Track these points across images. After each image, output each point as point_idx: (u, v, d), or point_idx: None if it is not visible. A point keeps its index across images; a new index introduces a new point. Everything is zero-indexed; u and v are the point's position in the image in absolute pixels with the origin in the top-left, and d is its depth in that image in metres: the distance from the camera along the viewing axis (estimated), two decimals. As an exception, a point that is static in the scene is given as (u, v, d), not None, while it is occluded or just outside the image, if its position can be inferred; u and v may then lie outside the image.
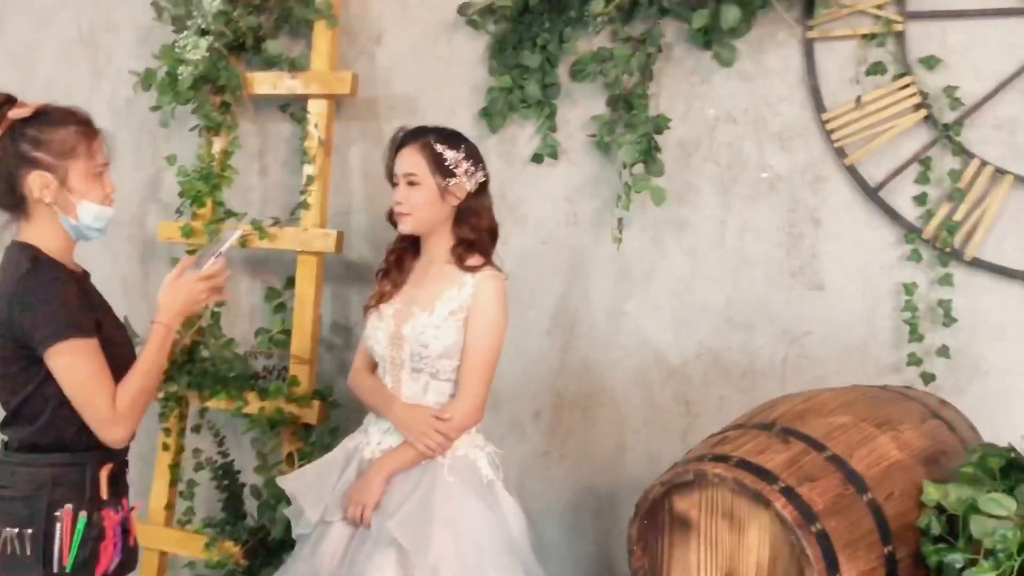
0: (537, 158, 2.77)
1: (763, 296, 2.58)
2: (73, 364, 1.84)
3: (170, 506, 3.01)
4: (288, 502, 2.32)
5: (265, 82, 2.95)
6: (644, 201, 2.60)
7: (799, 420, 1.88)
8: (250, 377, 2.95)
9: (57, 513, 1.86)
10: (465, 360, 2.18)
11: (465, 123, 2.74)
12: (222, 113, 2.96)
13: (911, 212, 2.45)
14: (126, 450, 2.00)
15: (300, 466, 2.55)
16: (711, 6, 2.50)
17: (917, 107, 2.42)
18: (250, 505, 2.92)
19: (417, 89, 2.92)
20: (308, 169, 2.88)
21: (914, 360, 2.40)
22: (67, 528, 1.86)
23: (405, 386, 2.22)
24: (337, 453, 2.32)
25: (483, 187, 2.26)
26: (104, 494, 1.92)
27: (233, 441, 2.99)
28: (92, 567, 1.89)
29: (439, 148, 2.21)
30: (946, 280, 2.40)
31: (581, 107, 2.73)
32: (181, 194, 2.95)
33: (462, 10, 2.78)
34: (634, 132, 2.56)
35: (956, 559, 1.65)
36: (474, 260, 2.22)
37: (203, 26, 2.86)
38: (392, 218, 2.27)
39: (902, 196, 2.46)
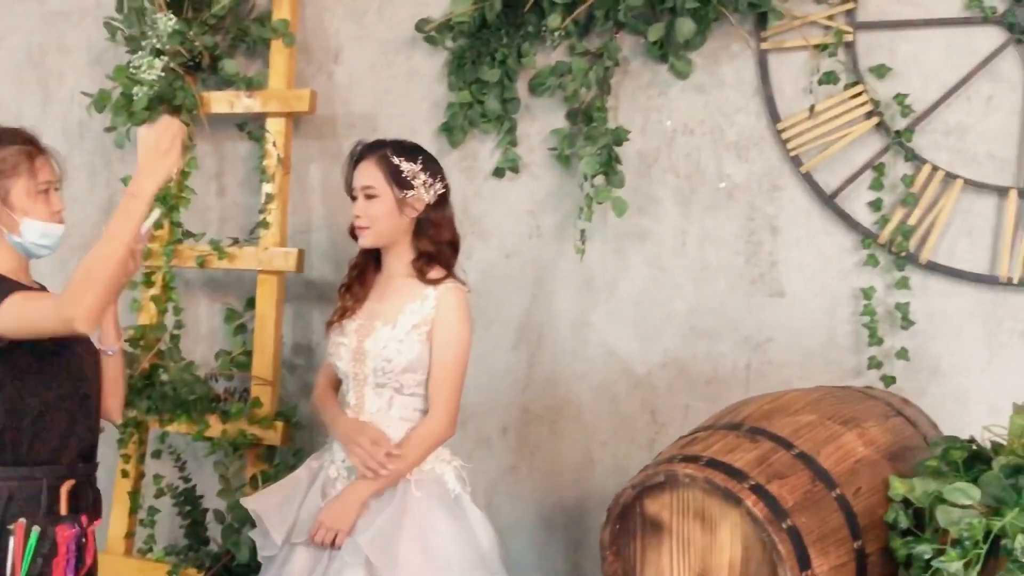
0: (498, 172, 2.78)
1: (725, 304, 2.61)
2: (13, 303, 1.82)
3: (130, 535, 2.94)
4: (253, 525, 2.29)
5: (222, 101, 2.93)
6: (606, 212, 2.62)
7: (767, 420, 1.89)
8: (211, 400, 2.90)
9: (10, 527, 1.84)
10: (433, 375, 2.16)
11: (425, 139, 2.75)
12: (179, 133, 2.94)
13: (867, 218, 2.49)
14: (93, 465, 1.98)
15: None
16: (666, 19, 2.54)
17: (869, 115, 2.48)
18: (213, 530, 2.86)
19: (376, 106, 2.92)
20: (267, 188, 2.86)
21: (874, 363, 2.44)
22: (19, 542, 1.84)
23: (369, 401, 2.19)
24: (301, 472, 2.29)
25: (443, 199, 2.25)
26: (63, 509, 1.89)
27: (195, 465, 2.94)
28: None
29: (396, 160, 2.20)
30: (903, 283, 2.44)
31: (541, 121, 2.75)
32: (137, 216, 2.91)
33: (420, 26, 2.80)
34: (594, 144, 2.58)
35: (924, 550, 1.67)
36: (435, 273, 2.21)
37: (158, 46, 2.83)
38: (353, 232, 2.26)
39: (857, 202, 2.50)
